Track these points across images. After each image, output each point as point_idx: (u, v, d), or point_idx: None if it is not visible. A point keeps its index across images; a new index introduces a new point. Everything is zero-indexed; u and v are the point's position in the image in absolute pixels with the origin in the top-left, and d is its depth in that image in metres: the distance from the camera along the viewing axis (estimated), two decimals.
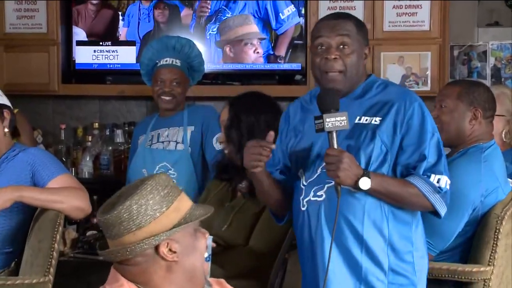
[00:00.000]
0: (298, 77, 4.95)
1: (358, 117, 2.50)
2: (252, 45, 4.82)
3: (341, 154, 2.37)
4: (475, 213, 2.96)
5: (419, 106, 2.49)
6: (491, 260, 2.92)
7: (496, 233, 2.92)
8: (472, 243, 3.00)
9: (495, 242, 2.92)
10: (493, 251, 2.92)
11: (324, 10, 4.79)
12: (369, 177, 2.39)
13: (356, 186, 2.39)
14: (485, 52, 4.85)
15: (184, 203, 1.93)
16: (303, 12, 4.77)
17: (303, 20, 4.80)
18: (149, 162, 3.90)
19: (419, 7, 4.71)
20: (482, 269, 2.92)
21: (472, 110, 3.05)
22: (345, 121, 2.38)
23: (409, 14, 4.72)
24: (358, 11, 4.76)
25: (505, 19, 4.76)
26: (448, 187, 2.47)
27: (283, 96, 4.90)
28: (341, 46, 2.52)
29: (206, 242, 1.96)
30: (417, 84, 4.73)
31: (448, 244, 2.95)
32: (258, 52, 4.82)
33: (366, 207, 2.46)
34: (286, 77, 4.92)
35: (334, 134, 2.39)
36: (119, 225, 1.90)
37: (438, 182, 2.44)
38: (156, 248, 1.89)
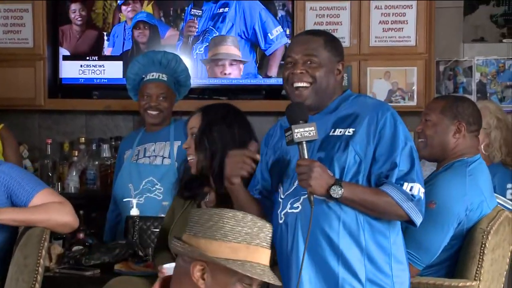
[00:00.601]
0: (284, 91, 4.96)
1: (332, 130, 2.54)
2: (221, 66, 4.85)
3: (311, 163, 2.40)
4: (460, 227, 2.96)
5: (391, 116, 2.51)
6: (477, 275, 2.92)
7: (482, 248, 2.93)
8: (458, 257, 3.00)
9: (481, 257, 2.92)
10: (479, 266, 2.92)
11: (311, 26, 4.82)
12: (341, 186, 2.40)
13: (328, 195, 2.41)
14: (470, 68, 4.88)
15: (250, 254, 1.87)
16: (288, 32, 4.80)
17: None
18: (135, 177, 3.89)
19: (405, 22, 4.73)
20: (468, 283, 2.92)
21: (455, 124, 3.07)
22: (314, 131, 2.42)
23: (395, 30, 4.74)
24: (345, 27, 4.78)
25: (490, 34, 4.79)
26: (421, 195, 2.48)
27: (270, 111, 4.92)
28: (308, 62, 2.57)
29: None
30: (403, 99, 4.75)
31: (434, 258, 2.95)
32: (225, 74, 4.85)
33: (342, 217, 2.47)
34: (273, 92, 4.93)
35: (304, 145, 2.43)
36: (190, 222, 1.91)
37: (411, 190, 2.45)
38: (192, 263, 1.88)
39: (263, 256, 1.91)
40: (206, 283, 1.87)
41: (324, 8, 4.82)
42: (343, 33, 4.78)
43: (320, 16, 4.83)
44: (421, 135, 3.12)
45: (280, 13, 4.85)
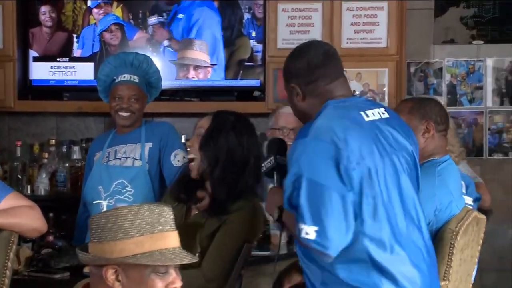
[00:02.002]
0: (256, 93, 4.97)
1: None
2: (186, 70, 4.88)
3: (271, 189, 2.62)
4: (429, 228, 2.97)
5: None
6: (446, 275, 2.94)
7: (451, 248, 2.94)
8: None
9: (450, 257, 2.94)
10: (448, 266, 2.94)
11: (283, 27, 4.83)
12: (281, 210, 2.48)
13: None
14: (441, 69, 4.92)
15: (156, 243, 1.87)
16: (254, 35, 4.83)
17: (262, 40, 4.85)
18: (105, 179, 3.86)
19: (377, 24, 4.76)
20: None
21: (424, 124, 3.09)
22: (272, 160, 2.62)
23: (367, 31, 4.77)
24: (316, 28, 4.80)
25: (460, 36, 4.83)
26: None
27: (242, 113, 4.91)
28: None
29: (162, 287, 1.89)
30: (375, 100, 4.77)
31: None
32: (187, 77, 4.89)
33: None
34: (244, 94, 4.93)
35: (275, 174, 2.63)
36: (91, 230, 1.91)
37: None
38: (102, 268, 1.88)
39: (171, 239, 1.90)
40: (122, 284, 1.87)
41: (296, 10, 4.83)
42: (315, 34, 4.80)
43: (292, 17, 4.84)
44: None
45: (246, 16, 4.87)
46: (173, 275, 1.91)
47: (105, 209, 3.66)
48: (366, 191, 2.32)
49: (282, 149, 2.63)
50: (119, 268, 1.87)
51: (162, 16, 4.92)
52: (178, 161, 3.80)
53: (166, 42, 4.90)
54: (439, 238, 2.97)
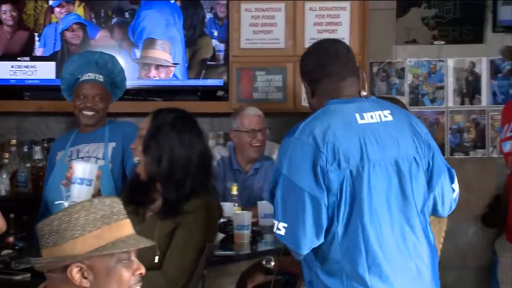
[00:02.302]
0: (220, 93, 4.97)
1: None
2: (148, 70, 4.88)
3: None
4: None
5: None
6: None
7: None
8: None
9: None
10: None
11: (246, 27, 4.83)
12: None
13: None
14: (403, 69, 4.96)
15: (114, 233, 1.89)
16: (216, 34, 4.84)
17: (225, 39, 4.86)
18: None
19: (339, 24, 4.78)
20: None
21: None
22: None
23: (330, 32, 4.79)
24: (280, 28, 4.81)
25: (421, 36, 4.87)
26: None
27: (205, 112, 4.91)
28: None
29: (129, 275, 1.91)
30: None
31: None
32: (149, 77, 4.89)
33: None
34: (208, 93, 4.93)
35: None
36: (42, 237, 1.89)
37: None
38: (67, 268, 1.86)
39: (126, 227, 1.93)
40: (89, 280, 1.87)
41: (259, 10, 4.84)
42: (278, 34, 4.81)
43: (255, 17, 4.85)
44: None
45: (208, 15, 4.87)
46: (136, 261, 1.93)
47: None
48: (345, 194, 2.33)
49: None
50: (84, 265, 1.86)
51: (125, 16, 4.90)
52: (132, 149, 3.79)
53: (128, 42, 4.88)
54: None
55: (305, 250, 2.35)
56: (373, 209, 2.35)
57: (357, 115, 2.40)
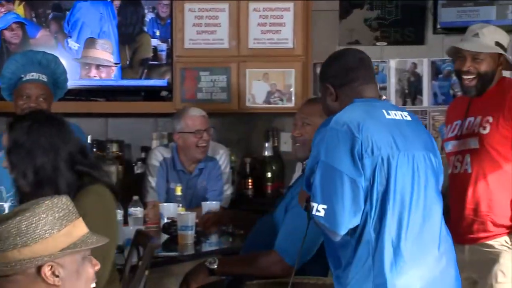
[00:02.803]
0: (164, 93, 4.94)
1: None
2: (88, 69, 4.87)
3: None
4: None
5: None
6: None
7: None
8: None
9: None
10: None
11: (189, 27, 4.82)
12: (308, 201, 2.58)
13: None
14: None
15: (78, 230, 1.91)
16: (158, 34, 4.85)
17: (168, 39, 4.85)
18: (6, 179, 3.75)
19: (283, 25, 4.80)
20: None
21: None
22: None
23: (273, 32, 4.81)
24: (223, 28, 4.81)
25: (364, 37, 4.91)
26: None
27: (149, 113, 4.88)
28: None
29: (92, 271, 1.94)
30: (282, 100, 4.82)
31: None
32: (89, 77, 4.88)
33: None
34: (151, 93, 4.90)
35: None
36: (6, 239, 1.85)
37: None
38: (39, 269, 1.85)
39: (82, 225, 1.94)
40: (61, 278, 1.87)
41: (203, 10, 4.83)
42: (222, 34, 4.81)
43: (198, 17, 4.84)
44: (299, 140, 3.13)
45: (150, 15, 4.85)
46: (93, 258, 1.95)
47: (7, 210, 3.56)
48: (377, 180, 2.50)
49: None
50: (55, 264, 1.86)
51: (64, 15, 4.85)
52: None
53: (68, 41, 4.84)
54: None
55: (343, 230, 2.48)
56: (400, 195, 2.53)
57: (384, 111, 2.61)
